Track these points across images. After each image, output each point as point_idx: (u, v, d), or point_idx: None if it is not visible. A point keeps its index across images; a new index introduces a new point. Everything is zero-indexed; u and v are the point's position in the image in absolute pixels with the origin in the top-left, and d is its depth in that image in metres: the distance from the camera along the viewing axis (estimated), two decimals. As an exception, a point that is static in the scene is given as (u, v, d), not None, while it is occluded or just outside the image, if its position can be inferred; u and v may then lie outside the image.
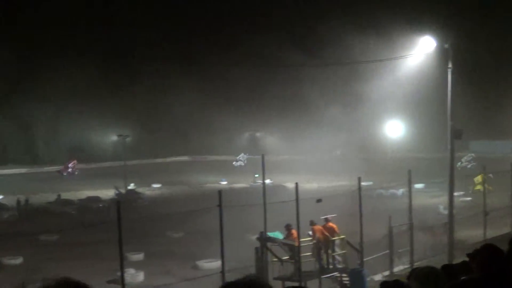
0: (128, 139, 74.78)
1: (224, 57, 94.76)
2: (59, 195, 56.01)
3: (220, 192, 18.93)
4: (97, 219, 37.66)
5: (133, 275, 24.69)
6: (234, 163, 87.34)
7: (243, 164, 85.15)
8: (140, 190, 62.09)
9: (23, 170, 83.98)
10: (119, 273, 22.72)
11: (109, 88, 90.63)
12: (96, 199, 55.68)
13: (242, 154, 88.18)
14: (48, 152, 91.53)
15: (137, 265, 26.62)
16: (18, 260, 28.48)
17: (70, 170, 73.06)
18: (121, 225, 16.47)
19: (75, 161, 74.93)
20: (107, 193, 57.65)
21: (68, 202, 54.08)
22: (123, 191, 58.06)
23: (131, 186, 64.39)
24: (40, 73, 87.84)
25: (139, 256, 28.30)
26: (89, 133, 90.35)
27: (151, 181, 70.35)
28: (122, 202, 18.07)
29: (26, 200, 55.10)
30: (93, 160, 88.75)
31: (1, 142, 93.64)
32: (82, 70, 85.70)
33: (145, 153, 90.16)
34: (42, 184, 68.88)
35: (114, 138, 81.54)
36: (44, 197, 57.27)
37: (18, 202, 53.76)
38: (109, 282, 23.22)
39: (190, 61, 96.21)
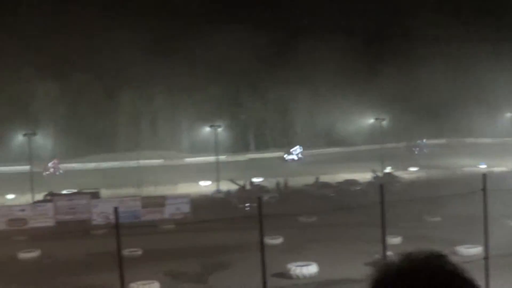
0: (384, 122, 75.49)
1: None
2: (317, 178, 58.21)
3: (484, 176, 18.40)
4: (355, 202, 38.55)
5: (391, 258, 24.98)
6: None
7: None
8: (397, 173, 62.11)
9: (281, 154, 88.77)
10: (377, 256, 23.25)
11: (365, 71, 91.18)
12: (354, 182, 56.84)
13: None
14: (304, 136, 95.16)
15: (394, 248, 26.84)
16: (279, 240, 30.22)
17: (52, 169, 72.39)
18: (384, 208, 16.74)
19: (55, 161, 74.18)
20: (364, 176, 58.52)
21: (326, 185, 55.92)
22: (380, 174, 58.48)
23: (388, 169, 64.74)
24: (296, 56, 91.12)
25: (396, 240, 28.48)
26: (344, 116, 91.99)
27: (408, 165, 70.13)
28: (380, 185, 18.33)
29: (285, 182, 58.31)
30: (348, 143, 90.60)
31: (262, 126, 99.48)
32: (339, 52, 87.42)
33: (399, 135, 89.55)
34: (298, 167, 72.20)
35: (370, 121, 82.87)
36: (303, 179, 59.89)
37: (278, 184, 57.09)
38: (366, 264, 23.78)
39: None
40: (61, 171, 66.77)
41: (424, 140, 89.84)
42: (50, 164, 67.62)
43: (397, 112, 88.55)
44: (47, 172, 66.60)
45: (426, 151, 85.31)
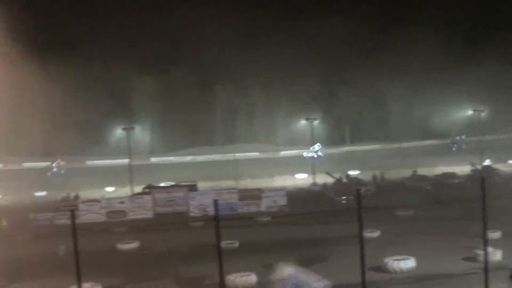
0: (483, 114, 73.24)
1: None
2: (414, 171, 57.23)
3: None
4: (453, 195, 37.57)
5: (490, 253, 24.26)
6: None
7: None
8: (496, 166, 60.10)
9: (376, 147, 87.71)
10: (475, 251, 22.62)
11: (463, 61, 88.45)
12: (452, 175, 55.54)
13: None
14: (401, 129, 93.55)
15: (494, 244, 26.07)
16: (375, 234, 29.89)
17: (55, 169, 72.54)
18: (485, 202, 16.29)
19: (59, 160, 73.90)
20: (463, 169, 56.97)
21: (423, 178, 54.90)
22: (479, 167, 56.85)
23: (487, 162, 62.76)
24: (391, 47, 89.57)
25: (496, 235, 27.58)
26: (440, 108, 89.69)
27: (507, 157, 67.67)
28: (479, 179, 17.78)
29: (382, 175, 57.64)
30: (444, 135, 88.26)
31: (357, 119, 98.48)
32: (436, 43, 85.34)
33: (499, 127, 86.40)
34: (394, 159, 71.09)
35: (468, 112, 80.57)
36: (400, 172, 58.97)
37: (374, 177, 56.51)
38: (464, 259, 23.20)
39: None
40: (63, 171, 68.49)
41: None
42: (54, 164, 70.01)
43: (498, 104, 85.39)
44: (51, 172, 68.46)
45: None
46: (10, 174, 68.98)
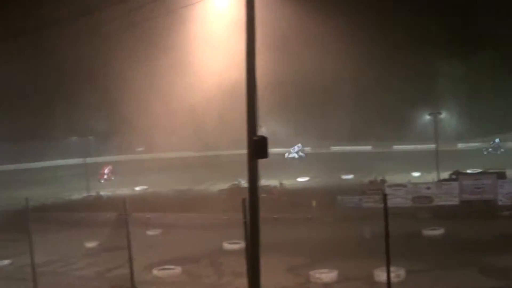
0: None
1: None
2: None
3: None
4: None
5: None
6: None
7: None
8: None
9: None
10: None
11: None
12: None
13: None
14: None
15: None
16: None
17: (106, 176, 70.11)
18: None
19: (110, 167, 71.61)
20: None
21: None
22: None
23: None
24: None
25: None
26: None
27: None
28: None
29: None
30: None
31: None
32: None
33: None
34: None
35: None
36: None
37: None
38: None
39: None
40: (113, 178, 69.31)
41: None
42: (106, 171, 71.14)
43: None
44: (102, 180, 69.45)
45: None
46: (319, 157, 73.22)
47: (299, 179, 60.02)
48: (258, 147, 11.68)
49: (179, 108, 66.12)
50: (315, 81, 76.81)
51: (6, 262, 30.79)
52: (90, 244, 33.37)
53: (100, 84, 76.01)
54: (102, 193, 57.34)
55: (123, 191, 56.88)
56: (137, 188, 60.62)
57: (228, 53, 40.68)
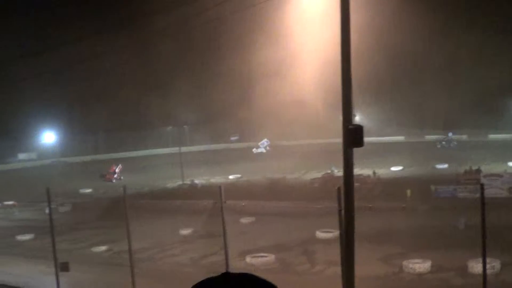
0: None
1: None
2: None
3: None
4: None
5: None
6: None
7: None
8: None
9: None
10: None
11: None
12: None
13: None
14: None
15: None
16: None
17: (116, 176, 67.16)
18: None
19: (120, 166, 68.76)
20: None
21: None
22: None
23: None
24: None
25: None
26: None
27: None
28: None
29: None
30: None
31: None
32: None
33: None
34: None
35: None
36: None
37: None
38: None
39: None
40: (122, 178, 66.26)
41: None
42: (116, 170, 68.13)
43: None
44: (113, 180, 66.08)
45: None
46: (413, 146, 71.82)
47: (393, 168, 59.27)
48: (353, 136, 11.79)
49: (283, 98, 66.29)
50: (411, 70, 75.72)
51: (103, 247, 32.34)
52: (185, 231, 34.42)
53: (202, 75, 77.88)
54: (197, 181, 58.48)
55: (216, 179, 57.80)
56: (231, 177, 61.55)
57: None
